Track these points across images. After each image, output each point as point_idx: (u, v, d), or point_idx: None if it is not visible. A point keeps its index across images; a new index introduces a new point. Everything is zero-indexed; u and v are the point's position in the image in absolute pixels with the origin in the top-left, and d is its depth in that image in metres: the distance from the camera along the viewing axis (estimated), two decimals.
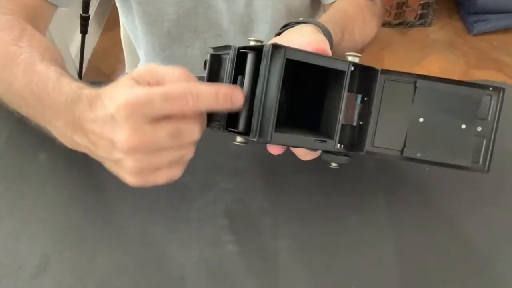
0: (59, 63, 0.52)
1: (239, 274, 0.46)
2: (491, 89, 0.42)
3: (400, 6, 1.97)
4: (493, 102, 0.42)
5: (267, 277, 0.45)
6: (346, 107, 0.42)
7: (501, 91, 0.42)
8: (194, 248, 0.47)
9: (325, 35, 0.52)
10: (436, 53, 1.92)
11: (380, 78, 0.41)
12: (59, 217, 0.50)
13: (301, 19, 0.54)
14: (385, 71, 0.42)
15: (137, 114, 0.36)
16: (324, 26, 0.53)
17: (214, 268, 0.46)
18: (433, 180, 0.53)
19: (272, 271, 0.46)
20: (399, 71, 0.42)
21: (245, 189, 0.52)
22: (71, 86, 0.43)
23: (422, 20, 2.01)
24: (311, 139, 0.41)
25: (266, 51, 0.38)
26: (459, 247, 0.48)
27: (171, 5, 0.71)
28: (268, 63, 0.38)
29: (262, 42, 0.41)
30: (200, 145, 0.55)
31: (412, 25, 2.02)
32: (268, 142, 0.38)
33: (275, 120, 0.38)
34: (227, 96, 0.38)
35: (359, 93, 0.42)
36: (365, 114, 0.42)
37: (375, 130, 0.42)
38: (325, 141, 0.41)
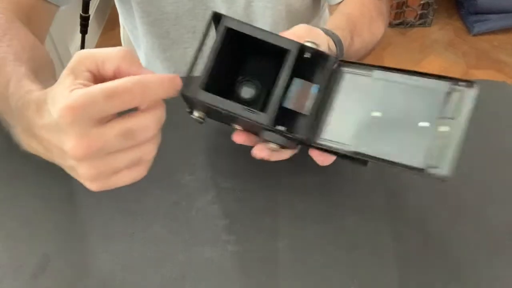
0: (39, 62, 0.50)
1: (239, 274, 0.46)
2: (461, 83, 0.35)
3: (400, 6, 1.97)
4: (464, 99, 0.35)
5: (267, 277, 0.45)
6: (298, 94, 0.40)
7: (474, 86, 0.35)
8: (194, 248, 0.47)
9: (335, 42, 0.53)
10: (436, 53, 1.92)
11: (338, 69, 0.40)
12: (59, 217, 0.50)
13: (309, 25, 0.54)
14: (345, 62, 0.40)
15: (80, 118, 0.32)
16: (334, 34, 0.53)
17: (214, 268, 0.46)
18: (433, 180, 0.53)
19: (272, 271, 0.46)
20: (359, 62, 0.40)
21: (245, 189, 0.52)
22: (24, 90, 0.40)
23: (422, 20, 2.01)
24: (239, 105, 0.39)
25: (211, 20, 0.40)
26: (459, 247, 0.48)
27: (170, 5, 0.71)
28: (216, 32, 0.40)
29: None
30: (200, 145, 0.55)
31: (412, 25, 2.02)
32: (194, 98, 0.39)
33: (205, 79, 0.39)
34: (172, 82, 0.35)
35: (317, 83, 0.40)
36: (319, 105, 0.40)
37: (327, 123, 0.40)
38: (256, 112, 0.39)
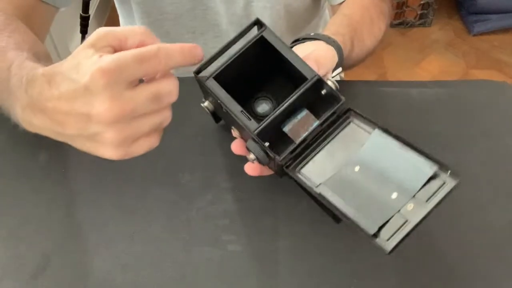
0: (40, 55, 0.50)
1: (239, 274, 0.46)
2: (449, 172, 0.35)
3: (400, 6, 1.97)
4: (443, 187, 0.35)
5: (267, 277, 0.45)
6: (299, 123, 0.41)
7: (457, 178, 0.35)
8: (194, 248, 0.47)
9: (335, 50, 0.53)
10: (436, 53, 1.92)
11: (345, 116, 0.41)
12: (59, 217, 0.50)
13: (312, 34, 0.55)
14: (354, 112, 0.41)
15: (115, 80, 0.33)
16: (334, 42, 0.53)
17: (214, 268, 0.46)
18: None
19: (272, 271, 0.46)
20: (366, 116, 0.40)
21: (245, 189, 0.52)
22: (29, 68, 0.41)
23: (422, 20, 2.01)
24: (239, 107, 0.40)
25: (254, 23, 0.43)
26: (459, 247, 0.48)
27: (170, 5, 0.71)
28: (246, 38, 0.42)
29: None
30: (200, 145, 0.55)
31: (412, 25, 2.02)
32: (203, 82, 0.41)
33: (220, 70, 0.41)
34: (192, 51, 0.37)
35: (320, 119, 0.41)
36: (312, 140, 0.41)
37: (310, 160, 0.41)
38: (249, 117, 0.40)
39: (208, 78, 0.41)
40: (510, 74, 1.82)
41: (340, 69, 0.57)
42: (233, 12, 0.72)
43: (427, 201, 0.34)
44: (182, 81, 0.53)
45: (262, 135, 0.40)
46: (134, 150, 0.37)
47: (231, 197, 0.51)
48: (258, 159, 0.41)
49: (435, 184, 0.35)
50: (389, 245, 0.33)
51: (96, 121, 0.34)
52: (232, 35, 0.75)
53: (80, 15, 1.47)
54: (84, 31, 1.53)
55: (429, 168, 0.35)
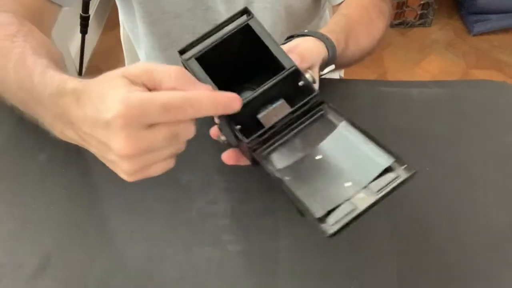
0: (55, 59, 0.51)
1: (239, 274, 0.46)
2: (404, 166, 0.35)
3: (400, 6, 1.97)
4: (395, 180, 0.35)
5: (267, 277, 0.45)
6: (273, 111, 0.42)
7: (411, 174, 0.35)
8: (194, 248, 0.47)
9: (327, 47, 0.53)
10: (436, 53, 1.92)
11: (317, 108, 0.41)
12: (59, 217, 0.50)
13: (306, 31, 0.55)
14: (327, 106, 0.41)
15: (135, 122, 0.35)
16: (327, 39, 0.53)
17: (214, 268, 0.46)
18: (433, 180, 0.53)
19: (272, 271, 0.46)
20: (337, 110, 0.41)
21: (245, 189, 0.52)
22: (53, 79, 0.42)
23: (422, 20, 2.01)
24: (215, 86, 0.41)
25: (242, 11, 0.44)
26: (459, 247, 0.48)
27: (171, 5, 0.71)
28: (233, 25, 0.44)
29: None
30: (200, 145, 0.55)
31: (412, 25, 2.02)
32: (184, 62, 0.41)
33: (203, 52, 0.42)
34: (227, 103, 0.38)
35: (293, 107, 0.41)
36: (283, 127, 0.41)
37: (277, 146, 0.41)
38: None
39: (189, 58, 0.42)
40: (510, 74, 1.82)
41: (332, 67, 0.57)
42: (233, 11, 0.72)
43: (377, 191, 0.35)
44: None
45: (235, 118, 0.40)
46: (149, 173, 0.39)
47: (231, 197, 0.51)
48: (227, 141, 0.42)
49: (389, 176, 0.35)
50: (332, 229, 0.34)
51: (113, 152, 0.36)
52: None
53: (80, 15, 1.48)
54: (84, 31, 1.53)
55: (385, 161, 0.36)
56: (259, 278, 0.45)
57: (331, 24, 0.62)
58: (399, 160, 0.36)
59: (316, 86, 0.45)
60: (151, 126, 0.35)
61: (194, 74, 0.41)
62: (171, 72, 0.37)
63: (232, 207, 0.50)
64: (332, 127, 0.40)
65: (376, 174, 0.35)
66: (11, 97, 0.50)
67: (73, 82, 0.40)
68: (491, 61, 1.88)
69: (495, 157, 0.55)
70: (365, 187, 0.35)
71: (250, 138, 0.40)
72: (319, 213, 0.35)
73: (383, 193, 0.35)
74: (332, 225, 0.34)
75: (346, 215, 0.34)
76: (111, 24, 2.03)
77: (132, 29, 0.83)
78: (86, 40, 1.58)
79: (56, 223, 0.49)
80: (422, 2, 1.95)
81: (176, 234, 0.48)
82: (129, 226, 0.49)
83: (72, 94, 0.38)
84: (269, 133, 0.41)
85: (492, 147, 0.56)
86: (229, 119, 0.40)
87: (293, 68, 0.41)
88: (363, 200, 0.35)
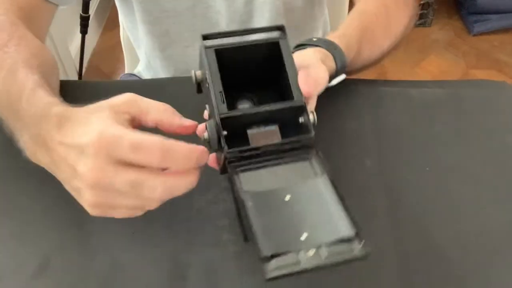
0: (48, 67, 0.51)
1: (239, 274, 0.46)
2: (362, 243, 0.35)
3: None
4: (347, 253, 0.35)
5: None
6: (265, 134, 0.41)
7: (363, 254, 0.35)
8: (194, 248, 0.47)
9: (336, 59, 0.53)
10: (436, 53, 1.92)
11: (307, 150, 0.41)
12: (59, 217, 0.50)
13: (315, 39, 0.55)
14: (316, 153, 0.41)
15: (103, 154, 0.35)
16: (336, 49, 0.53)
17: (214, 268, 0.46)
18: (433, 180, 0.53)
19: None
20: (324, 162, 0.40)
21: None
22: (42, 101, 0.43)
23: (422, 20, 2.01)
24: (220, 87, 0.41)
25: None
26: (459, 246, 0.48)
27: (170, 3, 0.71)
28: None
29: None
30: (200, 145, 0.55)
31: None
32: (204, 48, 0.42)
33: (223, 47, 0.42)
34: (199, 157, 0.38)
35: (283, 141, 0.41)
36: (266, 154, 0.41)
37: (254, 169, 0.41)
38: (224, 101, 0.41)
39: (210, 47, 0.42)
40: (510, 74, 1.82)
41: (343, 76, 0.56)
42: (234, 10, 0.72)
43: (326, 257, 0.34)
44: (184, 80, 0.53)
45: (225, 123, 0.40)
46: (111, 214, 0.39)
47: (231, 197, 0.51)
48: (209, 141, 0.41)
49: (344, 247, 0.35)
50: (270, 274, 0.33)
51: (79, 178, 0.37)
52: None
53: (80, 15, 1.48)
54: (84, 31, 1.53)
55: (346, 230, 0.35)
56: (259, 278, 0.45)
57: (345, 25, 0.61)
58: (359, 235, 0.35)
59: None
60: (120, 164, 0.36)
61: (206, 63, 0.41)
62: (160, 106, 0.39)
63: (232, 207, 0.50)
64: (312, 175, 0.40)
65: (333, 239, 0.35)
66: None
67: (59, 107, 0.41)
68: (491, 61, 1.88)
69: (495, 157, 0.55)
70: (318, 246, 0.35)
71: (232, 149, 0.40)
72: (266, 252, 0.34)
73: (331, 261, 0.34)
74: (273, 269, 0.34)
75: (289, 266, 0.34)
76: (111, 24, 2.03)
77: (132, 29, 0.83)
78: (86, 40, 1.58)
79: (56, 224, 0.49)
80: (422, 2, 1.95)
81: (176, 234, 0.48)
82: (129, 226, 0.49)
83: (56, 118, 0.40)
84: (252, 152, 0.41)
85: (492, 147, 0.56)
86: (220, 123, 0.40)
87: (301, 103, 0.41)
88: (310, 259, 0.34)
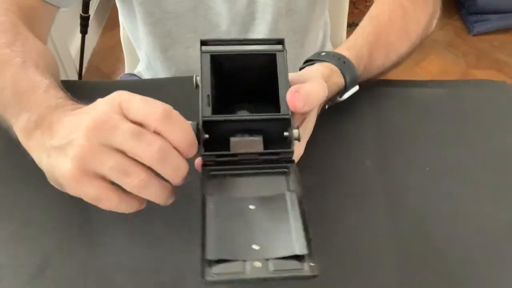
0: (53, 69, 0.52)
1: None
2: (312, 263, 0.34)
3: None
4: (295, 271, 0.34)
5: None
6: (246, 141, 0.41)
7: (311, 275, 0.34)
8: (194, 248, 0.47)
9: (344, 74, 0.53)
10: (436, 53, 1.92)
11: (285, 165, 0.42)
12: (59, 217, 0.50)
13: (323, 54, 0.54)
14: (293, 169, 0.41)
15: (102, 129, 0.37)
16: (345, 63, 0.53)
17: None
18: (433, 180, 0.53)
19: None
20: (298, 179, 0.40)
21: None
22: (57, 95, 0.45)
23: None
24: (209, 90, 0.41)
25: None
26: (459, 246, 0.48)
27: (172, 4, 0.71)
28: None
29: None
30: None
31: None
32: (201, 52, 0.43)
33: (219, 53, 0.43)
34: (193, 144, 0.39)
35: (263, 151, 0.41)
36: (243, 162, 0.41)
37: (227, 176, 0.41)
38: (209, 104, 0.41)
39: (206, 52, 0.42)
40: (510, 74, 1.82)
41: (356, 88, 0.56)
42: (236, 11, 0.72)
43: (274, 271, 0.34)
44: (184, 80, 0.53)
45: (208, 127, 0.40)
46: (87, 187, 0.39)
47: None
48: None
49: (294, 264, 0.34)
50: (211, 278, 0.33)
51: (71, 148, 0.38)
52: (233, 35, 0.75)
53: (80, 15, 1.48)
54: (84, 31, 1.53)
55: (299, 248, 0.35)
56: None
57: (355, 34, 0.60)
58: (311, 255, 0.35)
59: (304, 143, 0.45)
60: (112, 148, 0.37)
61: (201, 67, 0.42)
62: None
63: None
64: (282, 188, 0.40)
65: (284, 255, 0.34)
66: None
67: (73, 103, 0.44)
68: (491, 61, 1.88)
69: (494, 157, 0.55)
70: (267, 259, 0.34)
71: (208, 153, 0.40)
72: (211, 255, 0.34)
73: (277, 276, 0.34)
74: (214, 274, 0.33)
75: (232, 273, 0.33)
76: (111, 24, 2.03)
77: (132, 30, 0.83)
78: (86, 40, 1.58)
79: (57, 223, 0.49)
80: None
81: (176, 234, 0.48)
82: (129, 226, 0.49)
83: (70, 106, 0.42)
84: (229, 158, 0.41)
85: (492, 147, 0.56)
86: (201, 125, 0.40)
87: (286, 117, 0.41)
88: (256, 270, 0.34)
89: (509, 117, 0.60)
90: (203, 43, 0.43)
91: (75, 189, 0.39)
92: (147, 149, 0.37)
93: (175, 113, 0.38)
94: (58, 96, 0.45)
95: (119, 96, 0.38)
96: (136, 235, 0.48)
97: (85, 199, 0.40)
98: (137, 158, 0.37)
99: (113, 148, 0.37)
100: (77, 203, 0.51)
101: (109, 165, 0.37)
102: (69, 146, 0.38)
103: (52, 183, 0.43)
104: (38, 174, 0.54)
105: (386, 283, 0.45)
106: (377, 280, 0.45)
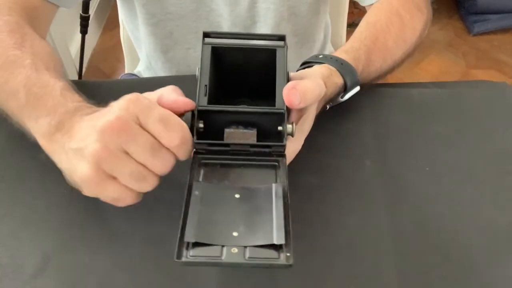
0: (61, 70, 0.53)
1: (239, 273, 0.46)
2: (287, 254, 0.35)
3: None
4: (271, 260, 0.35)
5: (267, 277, 0.45)
6: (240, 133, 0.42)
7: (285, 264, 0.34)
8: None
9: (343, 74, 0.53)
10: (436, 53, 1.92)
11: (275, 159, 0.42)
12: (59, 217, 0.50)
13: (320, 56, 0.55)
14: (282, 162, 0.42)
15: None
16: (342, 64, 0.53)
17: (214, 268, 0.46)
18: (433, 180, 0.53)
19: (271, 271, 0.46)
20: (286, 173, 0.41)
21: None
22: (74, 98, 0.46)
23: None
24: (207, 81, 0.42)
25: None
26: (459, 247, 0.48)
27: (173, 6, 0.71)
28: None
29: None
30: None
31: None
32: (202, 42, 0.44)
33: (220, 45, 0.44)
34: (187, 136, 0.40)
35: (255, 143, 0.42)
36: (235, 153, 0.42)
37: (217, 164, 0.42)
38: (206, 94, 0.42)
39: (207, 43, 0.43)
40: (510, 74, 1.82)
41: (357, 89, 0.56)
42: (237, 14, 0.72)
43: (250, 258, 0.34)
44: (184, 79, 0.53)
45: (203, 116, 0.41)
46: (106, 188, 0.40)
47: None
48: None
49: (270, 253, 0.35)
50: (184, 258, 0.34)
51: (91, 137, 0.39)
52: None
53: (80, 15, 1.48)
54: (84, 31, 1.53)
55: (277, 238, 0.35)
56: (259, 278, 0.45)
57: (352, 38, 0.60)
58: (289, 246, 0.35)
59: (301, 139, 0.46)
60: (126, 153, 0.39)
61: (201, 58, 0.43)
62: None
63: None
64: (270, 181, 0.41)
65: (262, 243, 0.35)
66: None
67: (89, 106, 0.45)
68: (491, 61, 1.88)
69: (494, 157, 0.55)
70: (245, 246, 0.35)
71: (200, 141, 0.41)
72: (188, 238, 0.35)
73: (252, 263, 0.34)
74: (190, 256, 0.34)
75: (208, 257, 0.34)
76: (111, 24, 2.03)
77: (133, 30, 0.83)
78: (86, 40, 1.58)
79: (57, 223, 0.49)
80: None
81: (176, 234, 0.48)
82: (130, 226, 0.49)
83: (88, 110, 0.44)
84: (221, 148, 0.41)
85: (491, 147, 0.56)
86: (197, 114, 0.41)
87: (281, 111, 0.42)
88: (232, 255, 0.34)
89: (509, 117, 0.60)
90: (206, 35, 0.43)
91: (94, 190, 0.41)
92: (160, 165, 0.40)
93: (190, 138, 0.40)
94: (74, 99, 0.46)
95: (136, 107, 0.39)
96: (136, 235, 0.48)
97: (103, 199, 0.41)
98: (149, 168, 0.40)
99: (127, 153, 0.39)
100: (77, 203, 0.51)
101: (127, 171, 0.39)
102: (86, 149, 0.39)
103: (70, 183, 0.44)
104: (38, 174, 0.54)
105: (386, 283, 0.45)
106: (377, 280, 0.45)
